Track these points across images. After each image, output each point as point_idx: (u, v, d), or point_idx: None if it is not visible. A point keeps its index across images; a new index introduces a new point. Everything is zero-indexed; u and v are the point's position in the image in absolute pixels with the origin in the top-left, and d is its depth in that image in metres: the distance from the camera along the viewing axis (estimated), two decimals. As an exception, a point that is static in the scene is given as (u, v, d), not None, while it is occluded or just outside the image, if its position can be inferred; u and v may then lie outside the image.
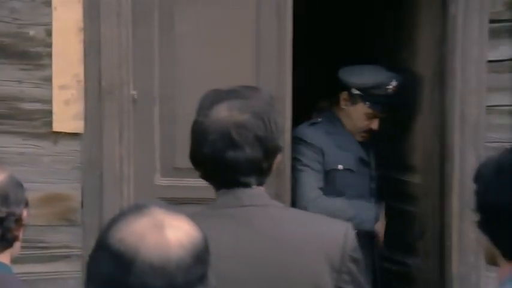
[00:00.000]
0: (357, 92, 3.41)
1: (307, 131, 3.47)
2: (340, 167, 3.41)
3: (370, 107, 3.41)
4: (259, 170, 1.81)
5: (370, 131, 3.46)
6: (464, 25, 3.40)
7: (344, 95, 3.46)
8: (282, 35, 3.42)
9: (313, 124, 3.51)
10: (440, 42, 3.52)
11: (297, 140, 3.42)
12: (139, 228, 1.18)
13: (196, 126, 1.81)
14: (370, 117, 3.43)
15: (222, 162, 1.77)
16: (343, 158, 3.43)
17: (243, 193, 1.80)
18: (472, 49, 3.41)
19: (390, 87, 3.39)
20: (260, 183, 1.82)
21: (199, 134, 1.80)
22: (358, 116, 3.45)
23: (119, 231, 1.19)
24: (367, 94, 3.39)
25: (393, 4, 4.00)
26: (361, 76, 3.45)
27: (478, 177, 1.62)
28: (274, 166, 1.87)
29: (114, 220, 1.23)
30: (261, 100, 1.84)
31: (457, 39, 3.41)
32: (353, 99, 3.43)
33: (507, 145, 3.41)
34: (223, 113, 1.78)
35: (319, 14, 5.38)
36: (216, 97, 1.82)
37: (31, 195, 3.27)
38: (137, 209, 1.23)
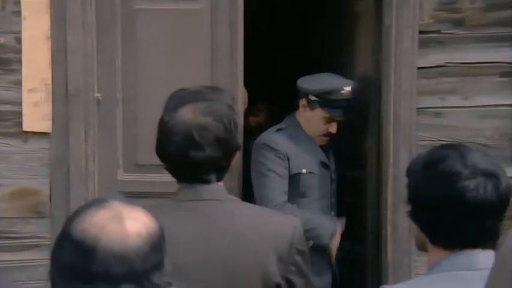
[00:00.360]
0: (314, 98, 3.40)
1: (273, 137, 3.43)
2: (304, 170, 3.39)
3: (327, 111, 3.39)
4: (218, 168, 1.83)
5: (329, 135, 3.45)
6: (397, 35, 3.44)
7: (303, 101, 3.45)
8: (234, 42, 3.46)
9: (278, 130, 3.47)
10: (375, 50, 3.59)
11: (262, 146, 3.42)
12: (100, 219, 1.20)
13: (163, 125, 1.83)
14: (328, 121, 3.41)
15: (185, 160, 1.79)
16: (306, 162, 3.41)
17: (203, 188, 1.81)
18: (404, 57, 3.44)
19: (344, 92, 3.36)
20: (219, 179, 1.84)
21: (164, 133, 1.81)
22: (316, 120, 3.42)
23: (81, 222, 1.20)
24: (323, 99, 3.38)
25: (334, 14, 4.04)
26: (317, 83, 3.44)
27: (409, 172, 1.65)
28: (233, 163, 1.90)
29: (77, 213, 1.24)
30: (223, 102, 1.85)
31: (390, 48, 3.44)
32: (311, 105, 3.41)
33: (436, 143, 3.50)
34: (187, 115, 1.79)
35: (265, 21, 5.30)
36: (181, 99, 1.84)
37: (3, 190, 3.30)
38: (98, 202, 1.24)
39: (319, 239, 3.31)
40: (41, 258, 3.30)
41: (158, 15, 3.43)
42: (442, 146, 1.67)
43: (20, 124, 3.30)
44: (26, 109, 3.31)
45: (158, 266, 1.22)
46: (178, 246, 1.72)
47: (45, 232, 3.33)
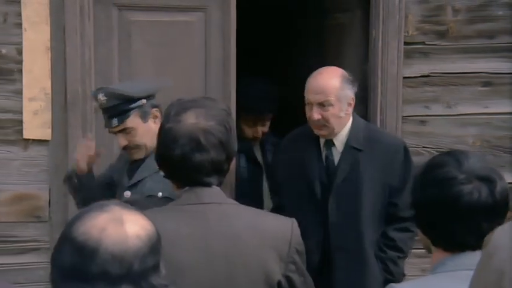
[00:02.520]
0: None
1: None
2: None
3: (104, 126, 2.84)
4: (221, 171, 1.85)
5: (126, 148, 2.81)
6: (383, 46, 3.49)
7: None
8: (227, 54, 3.50)
9: None
10: (363, 61, 3.64)
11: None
12: (100, 222, 1.22)
13: (165, 132, 1.83)
14: (113, 133, 2.82)
15: (190, 163, 1.80)
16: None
17: (203, 192, 1.83)
18: (390, 67, 3.50)
19: (98, 100, 2.76)
20: (219, 183, 1.86)
21: (168, 139, 1.81)
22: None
23: (82, 225, 1.22)
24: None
25: (322, 25, 4.08)
26: None
27: (412, 179, 1.70)
28: (231, 167, 1.92)
29: (78, 216, 1.26)
30: (220, 109, 1.88)
31: (377, 58, 3.51)
32: None
33: (420, 150, 3.56)
34: (190, 120, 1.80)
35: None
36: (182, 106, 1.85)
37: (4, 195, 3.32)
38: (98, 206, 1.26)
39: None
40: (40, 261, 3.33)
41: (153, 27, 3.47)
42: (442, 153, 1.71)
43: (20, 132, 3.32)
44: (26, 117, 3.34)
45: (155, 268, 1.24)
46: (181, 249, 1.76)
47: (44, 236, 3.36)
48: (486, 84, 3.59)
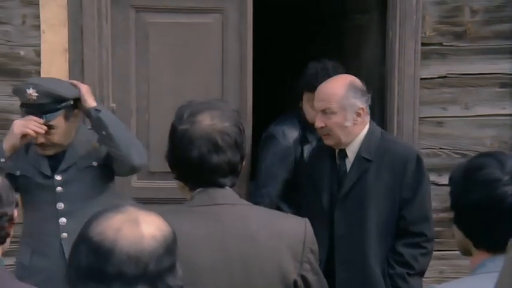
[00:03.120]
0: None
1: None
2: (18, 173, 2.83)
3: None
4: (235, 172, 1.84)
5: (41, 145, 2.79)
6: (400, 48, 3.48)
7: None
8: (244, 56, 3.50)
9: None
10: (380, 62, 3.62)
11: None
12: (116, 223, 1.22)
13: (180, 133, 1.80)
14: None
15: (206, 164, 1.78)
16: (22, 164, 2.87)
17: (217, 193, 1.82)
18: (407, 68, 3.49)
19: (26, 94, 2.69)
20: (232, 184, 1.85)
21: (184, 140, 1.79)
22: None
23: (98, 225, 1.23)
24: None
25: (340, 27, 4.08)
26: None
27: (451, 181, 1.67)
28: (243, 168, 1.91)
29: (94, 217, 1.26)
30: (232, 110, 1.87)
31: (394, 59, 3.49)
32: None
33: (437, 151, 3.54)
34: (206, 121, 1.79)
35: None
36: (195, 107, 1.83)
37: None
38: (114, 207, 1.26)
39: None
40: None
41: (170, 28, 3.48)
42: (481, 154, 1.71)
43: (38, 133, 3.35)
44: (44, 119, 3.37)
45: (171, 268, 1.24)
46: (196, 250, 1.74)
47: None
48: (504, 85, 3.56)
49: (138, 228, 1.22)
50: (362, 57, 3.83)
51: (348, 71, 3.11)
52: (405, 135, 3.50)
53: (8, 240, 1.83)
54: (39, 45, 3.34)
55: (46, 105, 2.72)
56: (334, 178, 2.91)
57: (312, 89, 3.01)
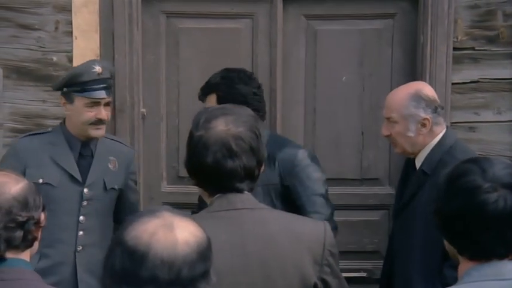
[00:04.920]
0: (68, 89, 2.88)
1: (20, 142, 2.95)
2: (40, 180, 2.82)
3: (86, 96, 2.85)
4: (252, 177, 1.83)
5: (100, 122, 2.88)
6: (432, 52, 3.44)
7: (61, 98, 2.94)
8: (274, 61, 3.49)
9: (34, 134, 2.98)
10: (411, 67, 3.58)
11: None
12: (151, 227, 1.22)
13: (195, 140, 1.81)
14: (91, 106, 2.86)
15: (222, 170, 1.79)
16: (47, 172, 2.87)
17: (236, 197, 1.82)
18: (439, 73, 3.43)
19: (95, 70, 2.84)
20: (250, 189, 1.85)
21: (199, 146, 1.80)
22: (80, 111, 2.86)
23: (133, 229, 1.23)
24: (77, 85, 2.86)
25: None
26: (66, 73, 3.01)
27: (436, 187, 1.64)
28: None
29: (130, 221, 1.26)
30: (248, 115, 1.87)
31: (425, 64, 3.44)
32: (69, 97, 2.89)
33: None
34: (220, 126, 1.79)
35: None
36: (210, 114, 1.84)
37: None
38: (150, 212, 1.26)
39: None
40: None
41: (200, 34, 3.48)
42: (466, 161, 1.65)
43: (70, 138, 3.37)
44: (76, 124, 3.40)
45: (204, 275, 1.23)
46: (216, 255, 1.74)
47: None
48: (537, 90, 3.52)
49: (172, 233, 1.21)
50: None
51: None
52: (437, 141, 3.46)
53: (36, 243, 1.83)
54: (71, 51, 3.37)
55: (108, 80, 2.90)
56: (403, 188, 2.88)
57: None
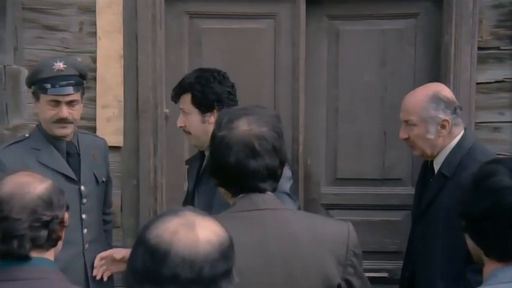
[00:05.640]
0: (32, 88, 2.81)
1: (2, 152, 2.82)
2: None
3: (45, 93, 2.76)
4: (275, 177, 1.83)
5: (64, 121, 2.78)
6: (456, 52, 3.41)
7: (32, 97, 2.87)
8: (296, 60, 3.49)
9: (14, 143, 2.87)
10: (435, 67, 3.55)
11: None
12: (173, 226, 1.22)
13: (218, 140, 1.81)
14: (54, 105, 2.77)
15: (245, 170, 1.78)
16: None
17: (259, 198, 1.81)
18: (463, 73, 3.40)
19: (55, 66, 2.75)
20: (273, 189, 1.84)
21: (222, 146, 1.79)
22: (44, 109, 2.79)
23: (155, 228, 1.23)
24: (39, 83, 2.77)
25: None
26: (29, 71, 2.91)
27: (461, 189, 1.64)
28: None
29: (152, 220, 1.27)
30: (271, 115, 1.86)
31: (449, 64, 3.42)
32: (35, 96, 2.82)
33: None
34: (243, 126, 1.79)
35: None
36: (233, 114, 1.84)
37: (77, 200, 3.34)
38: (172, 211, 1.27)
39: None
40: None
41: (223, 34, 3.48)
42: (490, 161, 1.64)
43: (94, 138, 3.39)
44: (100, 124, 3.40)
45: (226, 274, 1.23)
46: (241, 256, 1.74)
47: (116, 241, 3.29)
48: None
49: (193, 232, 1.22)
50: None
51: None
52: (461, 141, 3.44)
53: (60, 243, 1.84)
54: (95, 52, 3.39)
55: (72, 77, 2.76)
56: (422, 191, 2.84)
57: None
